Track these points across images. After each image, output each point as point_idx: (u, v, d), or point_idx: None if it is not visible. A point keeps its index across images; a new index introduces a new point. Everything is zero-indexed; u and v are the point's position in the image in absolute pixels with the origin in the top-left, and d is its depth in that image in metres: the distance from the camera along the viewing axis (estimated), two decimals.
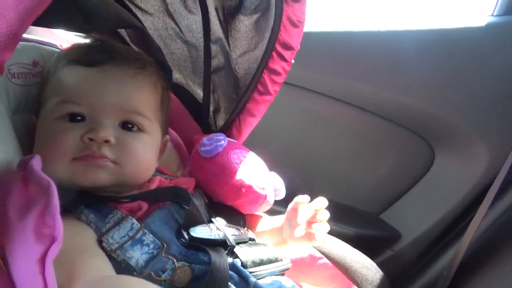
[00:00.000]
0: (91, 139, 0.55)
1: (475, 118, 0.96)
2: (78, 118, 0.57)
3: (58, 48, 0.77)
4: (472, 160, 0.97)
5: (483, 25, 0.91)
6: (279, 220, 0.70)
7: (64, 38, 0.91)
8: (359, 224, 1.08)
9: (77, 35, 0.93)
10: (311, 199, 0.66)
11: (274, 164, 0.77)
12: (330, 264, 0.74)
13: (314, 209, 0.65)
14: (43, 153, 0.55)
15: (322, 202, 0.65)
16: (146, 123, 0.60)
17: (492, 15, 0.93)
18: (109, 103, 0.57)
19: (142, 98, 0.61)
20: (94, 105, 0.57)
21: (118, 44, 0.72)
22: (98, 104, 0.57)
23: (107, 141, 0.55)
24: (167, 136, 0.71)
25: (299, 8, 0.63)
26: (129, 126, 0.59)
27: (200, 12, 0.73)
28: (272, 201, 0.73)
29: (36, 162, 0.46)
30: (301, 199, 0.67)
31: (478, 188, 0.96)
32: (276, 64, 0.71)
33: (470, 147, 0.98)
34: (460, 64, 0.94)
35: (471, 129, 0.96)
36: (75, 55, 0.61)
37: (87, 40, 0.67)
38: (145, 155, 0.60)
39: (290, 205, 0.68)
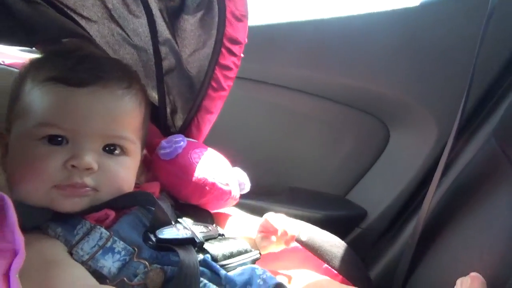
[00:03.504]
0: (73, 166, 0.53)
1: (421, 94, 1.01)
2: (59, 139, 0.54)
3: (1, 64, 0.74)
4: (423, 134, 1.03)
5: (418, 4, 0.97)
6: (251, 231, 0.70)
7: (6, 54, 0.88)
8: (327, 206, 1.11)
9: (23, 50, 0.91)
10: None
11: (239, 158, 0.77)
12: (300, 247, 0.77)
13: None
14: (20, 176, 0.54)
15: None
16: (129, 146, 0.59)
17: None
18: (95, 128, 0.55)
19: (127, 121, 0.59)
20: (79, 130, 0.54)
21: (102, 56, 0.68)
22: (82, 129, 0.54)
23: (89, 168, 0.54)
24: (144, 150, 0.69)
25: (240, 2, 0.64)
26: (112, 148, 0.57)
27: (144, 15, 0.73)
28: (238, 196, 0.74)
29: None
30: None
31: (431, 159, 1.02)
32: (226, 59, 0.72)
33: (420, 121, 1.03)
34: (401, 45, 0.99)
35: (418, 104, 1.02)
36: (56, 71, 0.55)
37: (61, 50, 0.62)
38: (127, 179, 0.59)
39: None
